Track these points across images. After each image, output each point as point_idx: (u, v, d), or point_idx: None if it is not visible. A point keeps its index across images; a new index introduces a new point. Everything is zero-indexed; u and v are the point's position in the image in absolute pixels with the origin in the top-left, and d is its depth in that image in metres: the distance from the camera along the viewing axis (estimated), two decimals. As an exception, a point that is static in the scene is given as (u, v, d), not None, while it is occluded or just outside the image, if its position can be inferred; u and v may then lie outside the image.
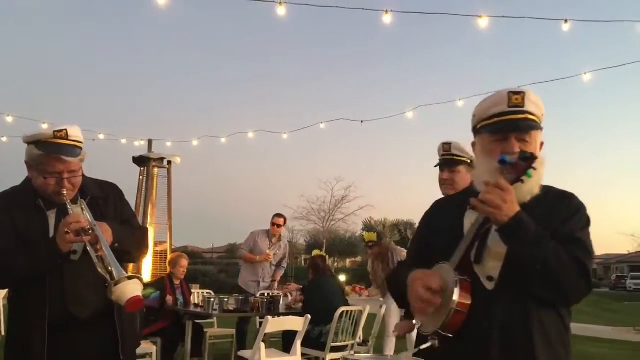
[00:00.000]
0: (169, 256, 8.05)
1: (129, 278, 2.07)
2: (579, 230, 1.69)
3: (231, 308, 6.09)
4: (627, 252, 53.76)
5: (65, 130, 2.32)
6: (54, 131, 2.30)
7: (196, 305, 6.55)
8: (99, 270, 2.19)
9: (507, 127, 1.71)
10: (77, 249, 2.34)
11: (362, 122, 9.99)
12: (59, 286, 2.33)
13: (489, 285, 1.65)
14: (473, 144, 1.89)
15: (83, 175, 2.49)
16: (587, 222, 1.75)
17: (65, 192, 2.35)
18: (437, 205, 2.09)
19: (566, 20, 6.92)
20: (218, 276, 30.27)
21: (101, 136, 10.84)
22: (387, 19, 6.68)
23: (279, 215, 7.49)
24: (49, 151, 2.29)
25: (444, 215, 1.92)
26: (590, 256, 1.65)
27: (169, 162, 9.34)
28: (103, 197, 2.55)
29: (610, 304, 28.42)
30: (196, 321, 6.24)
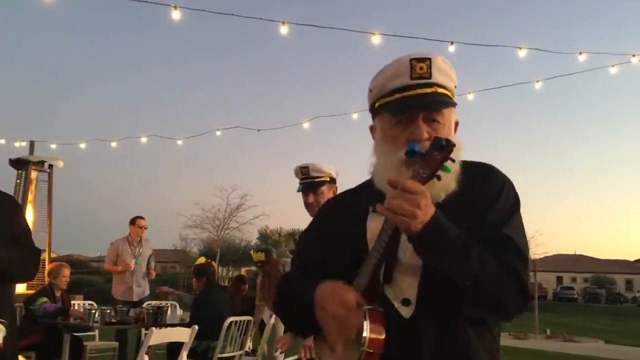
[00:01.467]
0: (47, 265, 7.57)
1: None
2: (506, 220, 1.37)
3: (114, 320, 5.82)
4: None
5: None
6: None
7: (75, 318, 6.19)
8: None
9: (411, 105, 1.38)
10: None
11: (259, 130, 10.02)
12: None
13: (406, 312, 1.32)
14: (372, 128, 1.54)
15: None
16: (514, 204, 1.43)
17: None
18: (331, 205, 1.70)
19: (452, 42, 7.36)
20: (105, 286, 28.75)
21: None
22: (284, 29, 6.74)
23: (140, 217, 7.50)
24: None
25: (341, 219, 1.51)
26: (524, 259, 1.34)
27: (50, 166, 8.85)
28: None
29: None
30: (75, 334, 5.90)
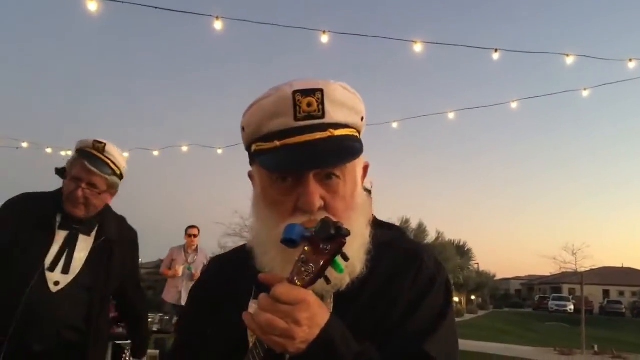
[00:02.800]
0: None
1: None
2: (431, 331, 1.05)
3: (155, 328, 5.85)
4: (549, 274, 55.95)
5: (104, 144, 2.36)
6: (94, 141, 2.36)
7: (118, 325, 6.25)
8: None
9: (296, 161, 1.02)
10: (62, 281, 2.25)
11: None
12: (30, 316, 2.17)
13: None
14: (250, 176, 1.18)
15: (110, 210, 2.47)
16: (444, 307, 1.10)
17: (78, 204, 2.30)
18: (212, 271, 1.35)
19: (496, 50, 7.20)
20: (145, 293, 29.32)
21: (24, 144, 10.37)
22: (324, 38, 6.71)
23: (192, 227, 7.95)
24: (80, 155, 2.34)
25: (219, 299, 1.20)
26: None
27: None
28: (118, 242, 2.47)
29: (533, 324, 29.46)
30: (116, 342, 5.95)
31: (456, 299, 34.59)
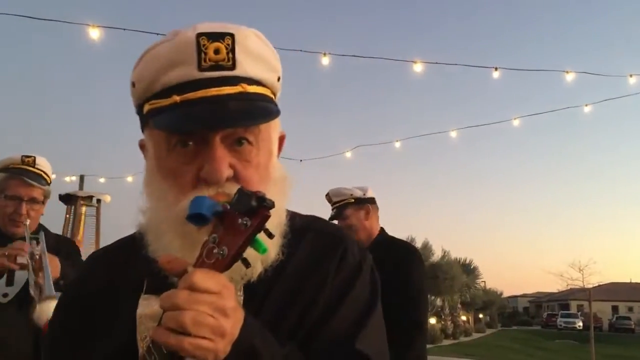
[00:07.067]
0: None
1: (53, 300, 1.99)
2: (361, 325, 0.92)
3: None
4: (556, 291, 55.49)
5: (34, 157, 2.35)
6: (22, 156, 2.34)
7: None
8: (31, 291, 2.10)
9: (200, 120, 0.83)
10: (9, 292, 2.23)
11: (301, 160, 10.04)
12: None
13: None
14: (141, 145, 0.97)
15: (42, 225, 2.43)
16: (370, 297, 0.97)
17: (21, 223, 2.28)
18: (91, 269, 1.08)
19: (496, 68, 7.23)
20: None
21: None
22: (325, 60, 6.77)
23: None
24: (12, 173, 2.30)
25: (102, 296, 0.97)
26: None
27: (99, 201, 9.06)
28: (54, 250, 2.43)
29: (541, 342, 29.15)
30: None
31: (464, 318, 34.23)
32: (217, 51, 0.83)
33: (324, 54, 6.72)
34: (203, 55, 0.82)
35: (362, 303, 0.94)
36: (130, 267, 0.95)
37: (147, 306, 0.87)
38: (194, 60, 0.82)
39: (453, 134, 9.24)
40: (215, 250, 0.73)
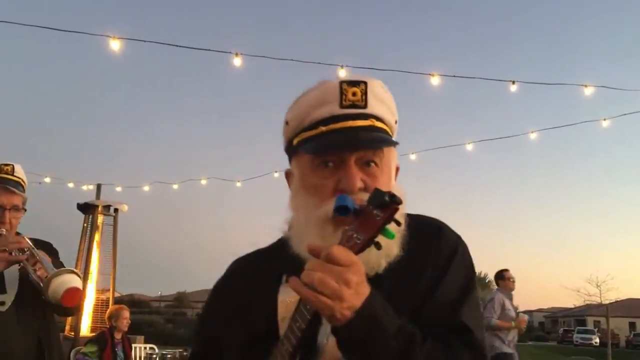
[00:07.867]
0: (110, 306, 7.73)
1: (68, 272, 2.09)
2: (462, 300, 1.08)
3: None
4: (572, 306, 54.76)
5: (12, 165, 2.37)
6: (1, 164, 2.35)
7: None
8: (35, 279, 2.14)
9: (341, 143, 1.05)
10: (6, 300, 2.24)
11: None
12: None
13: None
14: (287, 174, 1.20)
15: (18, 233, 2.43)
16: (468, 275, 1.13)
17: (6, 228, 2.30)
18: (235, 270, 1.32)
19: (513, 82, 7.21)
20: (165, 326, 29.19)
21: (47, 179, 10.53)
22: (342, 72, 6.79)
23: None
24: None
25: (245, 290, 1.20)
26: (482, 356, 1.05)
27: (116, 210, 9.12)
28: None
29: (558, 357, 28.71)
30: None
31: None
32: (354, 94, 1.06)
33: (342, 67, 6.74)
34: (344, 96, 1.06)
35: (461, 283, 1.10)
36: (272, 267, 1.17)
37: (286, 292, 1.07)
38: (337, 100, 1.06)
39: (469, 146, 9.21)
40: (352, 235, 0.91)
